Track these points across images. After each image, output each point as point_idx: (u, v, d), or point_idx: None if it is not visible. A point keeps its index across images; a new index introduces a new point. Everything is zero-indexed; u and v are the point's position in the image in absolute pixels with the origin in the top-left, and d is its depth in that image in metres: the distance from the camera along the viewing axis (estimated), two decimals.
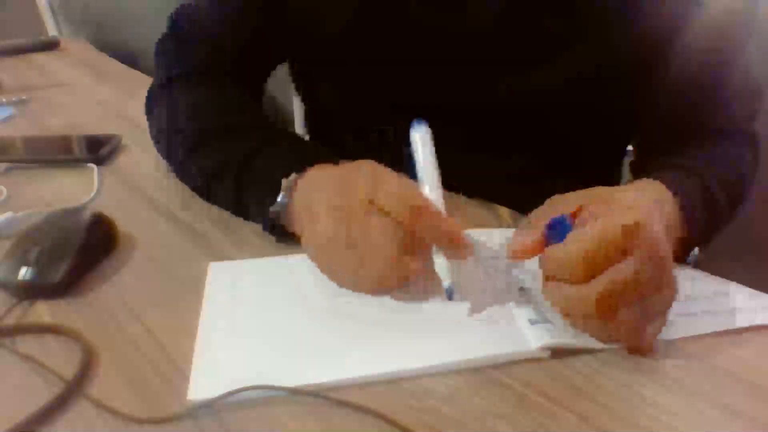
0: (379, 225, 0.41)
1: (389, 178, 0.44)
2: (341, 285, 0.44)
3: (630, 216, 0.38)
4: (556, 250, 0.39)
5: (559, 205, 0.43)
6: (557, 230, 0.40)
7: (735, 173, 0.57)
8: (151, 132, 0.69)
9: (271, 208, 0.49)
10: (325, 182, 0.46)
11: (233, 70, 0.67)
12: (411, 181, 0.45)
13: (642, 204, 0.40)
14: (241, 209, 0.56)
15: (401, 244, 0.41)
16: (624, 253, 0.37)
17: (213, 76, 0.67)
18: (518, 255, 0.42)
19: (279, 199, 0.49)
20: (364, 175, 0.44)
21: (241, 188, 0.54)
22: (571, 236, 0.39)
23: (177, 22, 0.70)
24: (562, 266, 0.39)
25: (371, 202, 0.42)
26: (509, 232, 0.44)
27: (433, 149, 0.47)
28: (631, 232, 0.37)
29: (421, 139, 0.48)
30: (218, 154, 0.58)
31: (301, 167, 0.49)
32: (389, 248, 0.41)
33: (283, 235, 0.51)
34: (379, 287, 0.44)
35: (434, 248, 0.44)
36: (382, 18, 0.61)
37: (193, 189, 0.62)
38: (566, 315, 0.41)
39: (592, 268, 0.37)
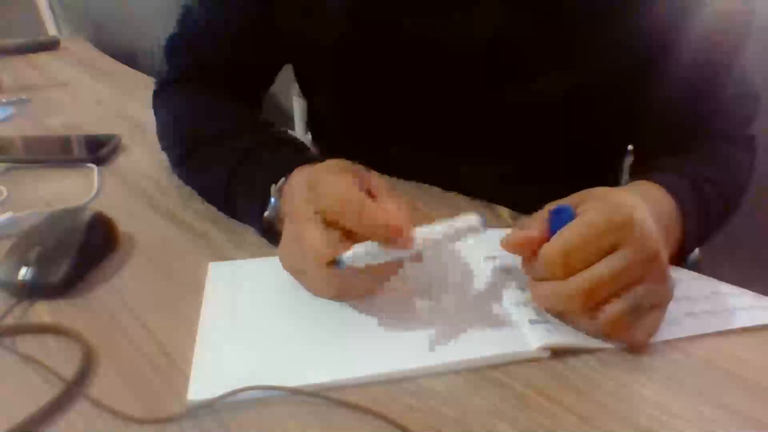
0: (313, 231, 0.40)
1: (331, 178, 0.42)
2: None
3: (619, 212, 0.38)
4: (542, 249, 0.39)
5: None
6: (561, 220, 0.40)
7: (730, 176, 0.57)
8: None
9: (266, 214, 0.49)
10: (296, 186, 0.46)
11: (223, 77, 0.68)
12: (351, 181, 0.42)
13: (633, 201, 0.40)
14: (237, 217, 0.56)
15: (335, 250, 0.40)
16: (613, 248, 0.38)
17: (199, 82, 0.68)
18: (517, 250, 0.42)
19: (272, 202, 0.49)
20: (311, 178, 0.43)
21: (234, 199, 0.55)
22: (557, 233, 0.39)
23: (178, 24, 0.70)
24: (544, 262, 0.39)
25: (313, 206, 0.41)
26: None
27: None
28: (619, 227, 0.38)
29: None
30: (205, 170, 0.59)
31: (286, 172, 0.49)
32: (321, 257, 0.40)
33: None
34: (321, 294, 0.44)
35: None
36: (375, 30, 0.60)
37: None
38: (556, 313, 0.41)
39: (572, 264, 0.38)
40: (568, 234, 0.39)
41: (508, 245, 0.42)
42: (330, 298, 0.44)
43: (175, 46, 0.70)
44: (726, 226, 0.58)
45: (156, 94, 0.72)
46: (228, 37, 0.67)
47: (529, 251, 0.41)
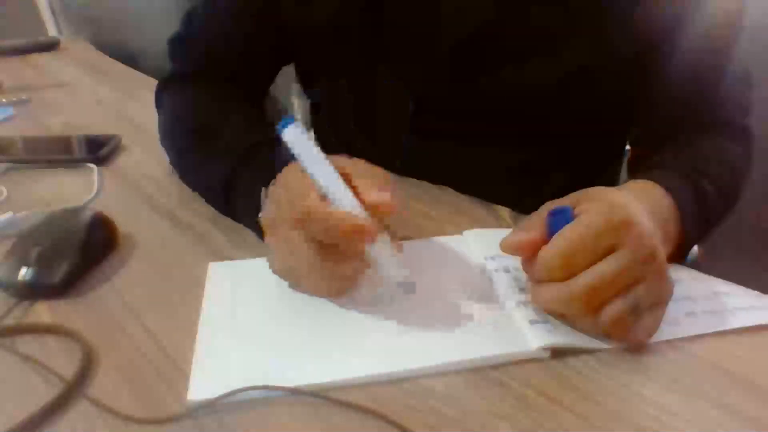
0: (297, 237, 0.41)
1: (293, 185, 0.43)
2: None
3: (617, 212, 0.38)
4: (541, 251, 0.39)
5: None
6: (559, 222, 0.40)
7: (728, 169, 0.57)
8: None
9: (260, 216, 0.49)
10: (274, 192, 0.46)
11: (224, 77, 0.68)
12: (307, 183, 0.42)
13: (631, 201, 0.40)
14: (236, 218, 0.56)
15: (322, 252, 0.40)
16: (611, 248, 0.38)
17: (201, 81, 0.68)
18: (516, 252, 0.42)
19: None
20: (277, 187, 0.44)
21: (232, 200, 0.55)
22: (555, 235, 0.39)
23: (181, 24, 0.71)
24: (543, 265, 0.39)
25: (288, 211, 0.42)
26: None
27: (311, 143, 0.42)
28: (617, 227, 0.38)
29: (295, 138, 0.42)
30: (202, 170, 0.59)
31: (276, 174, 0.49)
32: (310, 259, 0.41)
33: None
34: (320, 295, 0.44)
35: (373, 246, 0.42)
36: (372, 11, 0.61)
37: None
38: (558, 315, 0.41)
39: (572, 266, 0.38)
40: (566, 236, 0.38)
41: (507, 248, 0.42)
42: (329, 297, 0.44)
43: (178, 44, 0.71)
44: (726, 218, 0.58)
45: (158, 92, 0.72)
46: (230, 37, 0.67)
47: (528, 253, 0.41)
